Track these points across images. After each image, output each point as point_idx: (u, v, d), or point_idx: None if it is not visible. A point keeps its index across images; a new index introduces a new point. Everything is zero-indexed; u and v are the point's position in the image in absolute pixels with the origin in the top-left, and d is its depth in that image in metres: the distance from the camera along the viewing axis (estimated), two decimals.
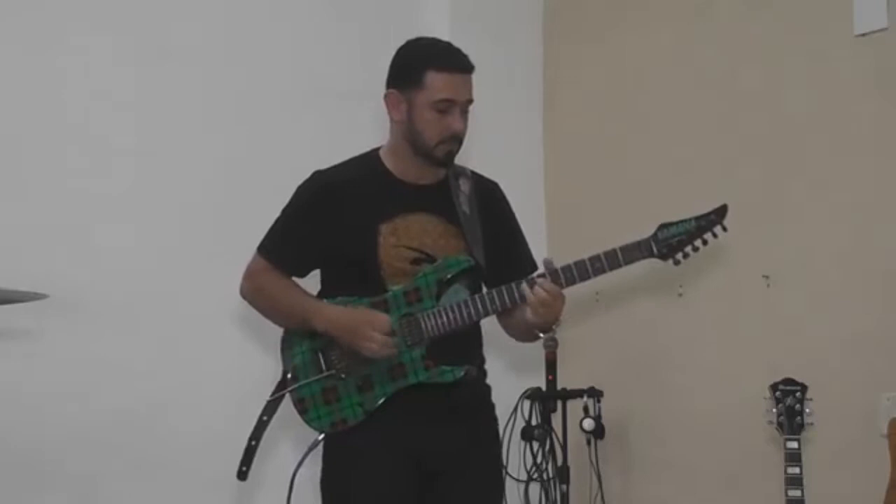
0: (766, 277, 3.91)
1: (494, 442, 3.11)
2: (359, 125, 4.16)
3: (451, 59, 2.87)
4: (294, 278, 3.02)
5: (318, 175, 3.00)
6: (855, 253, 3.72)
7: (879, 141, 3.70)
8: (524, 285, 2.82)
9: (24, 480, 3.55)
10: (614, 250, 2.79)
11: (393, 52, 4.25)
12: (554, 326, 2.89)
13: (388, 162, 2.97)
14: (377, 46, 4.30)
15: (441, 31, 4.35)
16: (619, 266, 2.81)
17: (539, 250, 4.50)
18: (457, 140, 2.88)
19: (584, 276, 2.81)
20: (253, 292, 3.03)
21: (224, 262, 3.86)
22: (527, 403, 4.32)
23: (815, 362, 3.63)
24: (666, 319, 4.19)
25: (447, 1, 4.43)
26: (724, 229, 2.85)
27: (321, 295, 3.00)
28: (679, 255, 2.83)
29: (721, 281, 3.99)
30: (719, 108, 4.12)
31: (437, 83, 2.84)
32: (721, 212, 2.85)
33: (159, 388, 3.76)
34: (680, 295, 4.12)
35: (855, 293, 3.71)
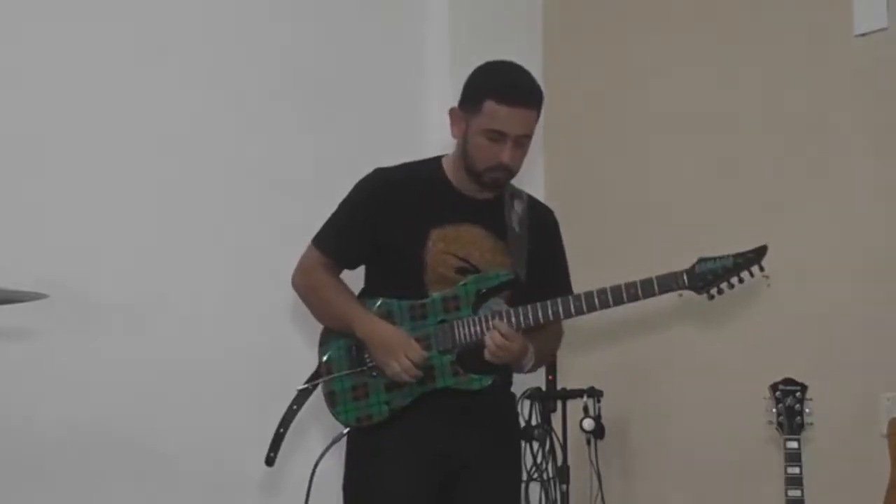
0: (766, 277, 3.90)
1: (515, 445, 3.16)
2: (361, 125, 4.17)
3: (512, 93, 2.87)
4: (345, 270, 3.08)
5: (378, 172, 3.05)
6: (854, 252, 3.72)
7: (879, 141, 3.70)
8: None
9: (25, 480, 3.55)
10: (651, 279, 2.86)
11: (396, 52, 4.27)
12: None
13: (449, 171, 3.02)
14: (378, 47, 4.34)
15: (441, 30, 4.37)
16: (654, 294, 2.87)
17: None
18: (504, 169, 2.91)
19: (619, 301, 2.87)
20: (306, 289, 3.08)
21: (224, 261, 3.89)
22: (527, 403, 4.31)
23: (815, 362, 3.63)
24: (666, 319, 4.18)
25: (447, 1, 4.42)
26: (762, 269, 2.90)
27: (365, 291, 3.06)
28: (714, 291, 2.90)
29: None
30: (719, 107, 4.12)
31: (492, 113, 2.86)
32: (760, 252, 2.90)
33: (160, 387, 3.76)
34: (680, 295, 4.10)
35: (854, 293, 3.71)
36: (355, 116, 4.18)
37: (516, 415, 3.14)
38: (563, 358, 4.27)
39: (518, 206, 3.03)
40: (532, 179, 4.58)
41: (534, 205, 3.11)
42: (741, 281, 2.91)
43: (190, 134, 3.89)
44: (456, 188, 2.99)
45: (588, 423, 4.20)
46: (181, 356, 3.81)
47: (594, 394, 4.24)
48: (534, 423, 4.28)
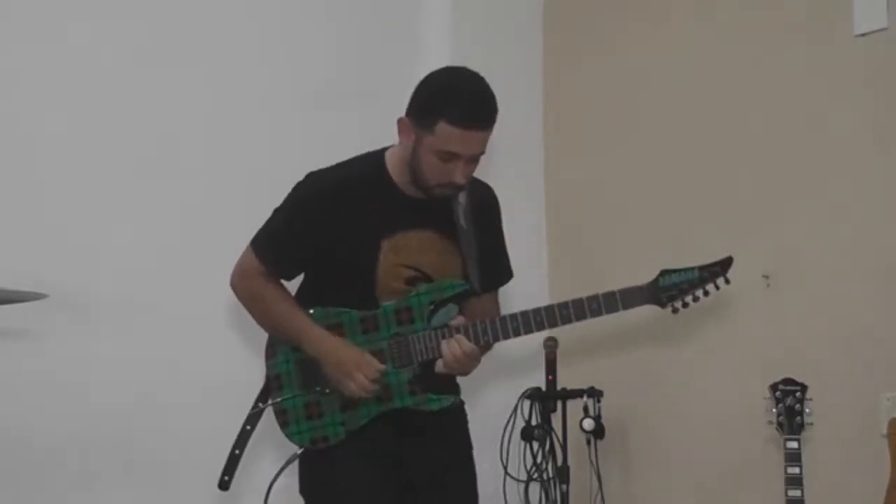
0: (766, 277, 3.91)
1: (471, 461, 3.06)
2: (359, 126, 4.16)
3: (467, 115, 2.73)
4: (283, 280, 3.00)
5: (314, 177, 2.93)
6: (854, 252, 3.72)
7: (879, 141, 3.70)
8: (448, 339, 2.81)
9: (24, 480, 3.55)
10: (613, 293, 2.76)
11: (393, 53, 4.23)
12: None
13: (393, 171, 2.88)
14: (378, 47, 4.34)
15: (441, 30, 4.37)
16: (617, 310, 2.76)
17: (539, 250, 4.55)
18: (455, 187, 2.81)
19: (581, 317, 2.77)
20: (245, 293, 2.97)
21: (224, 262, 3.86)
22: (527, 403, 4.31)
23: (815, 362, 3.63)
24: (666, 319, 4.16)
25: (447, 1, 4.42)
26: (727, 282, 2.80)
27: (302, 297, 2.95)
28: (678, 304, 2.80)
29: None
30: (719, 107, 4.12)
31: (445, 135, 2.73)
32: (725, 264, 2.79)
33: (159, 388, 3.76)
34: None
35: (854, 293, 3.71)
36: (355, 117, 4.17)
37: (468, 434, 3.04)
38: (563, 358, 4.27)
39: (461, 197, 2.89)
40: (532, 179, 4.61)
41: (474, 188, 2.95)
42: (706, 294, 2.79)
43: (189, 135, 3.89)
44: (401, 190, 2.87)
45: (588, 423, 4.20)
46: (180, 357, 3.81)
47: (594, 394, 4.24)
48: (534, 423, 4.29)
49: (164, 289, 3.81)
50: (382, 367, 2.82)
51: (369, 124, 4.13)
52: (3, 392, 3.51)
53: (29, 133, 3.63)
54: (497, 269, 3.03)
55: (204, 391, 3.82)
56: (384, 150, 2.94)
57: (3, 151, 3.59)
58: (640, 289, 2.76)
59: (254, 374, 3.82)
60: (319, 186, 2.90)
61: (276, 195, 3.84)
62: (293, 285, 3.03)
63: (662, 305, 2.79)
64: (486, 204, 3.01)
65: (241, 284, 2.98)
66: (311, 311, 2.90)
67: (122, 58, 3.81)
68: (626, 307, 2.76)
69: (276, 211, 2.96)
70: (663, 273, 2.78)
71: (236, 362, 3.87)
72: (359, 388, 2.81)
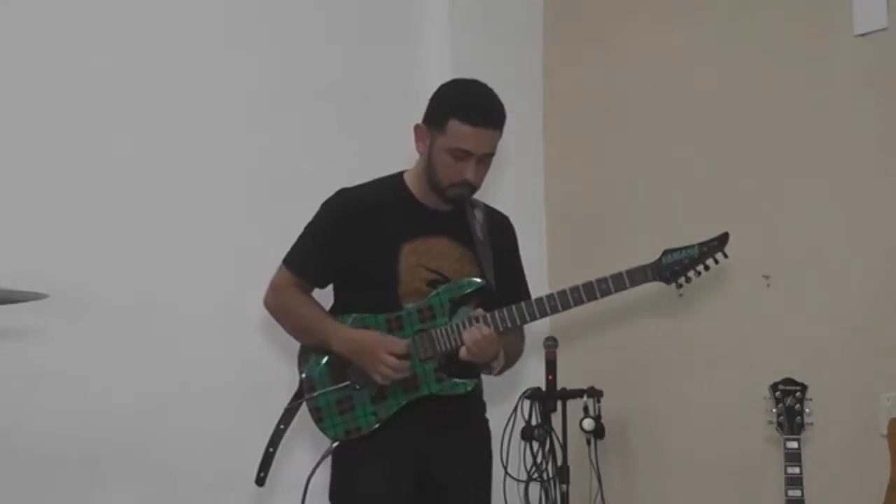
0: (766, 277, 3.91)
1: (489, 459, 3.19)
2: (359, 126, 4.16)
3: (476, 113, 2.92)
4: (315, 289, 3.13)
5: (343, 193, 3.09)
6: (854, 253, 3.72)
7: (879, 141, 3.70)
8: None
9: (24, 479, 3.55)
10: (620, 273, 2.91)
11: (393, 54, 4.26)
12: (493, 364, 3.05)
13: (413, 186, 3.06)
14: (377, 47, 4.34)
15: (441, 30, 4.37)
16: (625, 288, 2.93)
17: (539, 250, 4.55)
18: (468, 186, 2.97)
19: (591, 297, 2.92)
20: (277, 307, 3.12)
21: (224, 263, 3.89)
22: (527, 403, 4.31)
23: (815, 362, 3.63)
24: (666, 319, 4.19)
25: (447, 1, 4.42)
26: (726, 256, 2.97)
27: (335, 307, 3.09)
28: (682, 280, 2.97)
29: (721, 281, 3.99)
30: (719, 107, 4.12)
31: (456, 132, 2.92)
32: (723, 239, 2.97)
33: (159, 388, 3.76)
34: (680, 295, 4.10)
35: (854, 293, 3.71)
36: (354, 118, 4.17)
37: (489, 429, 3.19)
38: (563, 358, 4.27)
39: (478, 215, 3.10)
40: (532, 180, 4.61)
41: (491, 212, 3.16)
42: (707, 268, 2.98)
43: (189, 135, 3.89)
44: (421, 202, 3.05)
45: (588, 423, 4.21)
46: (180, 357, 3.81)
47: (594, 394, 4.24)
48: (534, 423, 4.29)
49: (164, 289, 3.81)
50: (404, 341, 2.94)
51: (369, 124, 4.16)
52: (3, 392, 3.51)
53: (29, 133, 3.63)
54: (516, 288, 3.13)
55: (204, 391, 3.82)
56: (403, 171, 3.11)
57: (3, 151, 3.59)
58: (645, 267, 2.94)
59: (256, 373, 3.84)
60: (347, 200, 3.08)
61: (276, 195, 3.87)
62: (327, 302, 3.12)
63: (667, 282, 2.97)
64: (502, 227, 3.18)
65: (273, 300, 3.13)
66: (338, 318, 3.04)
67: (122, 58, 3.81)
68: (632, 285, 2.93)
69: (307, 226, 3.11)
70: (666, 252, 2.95)
71: (237, 362, 3.89)
72: (388, 368, 2.92)
